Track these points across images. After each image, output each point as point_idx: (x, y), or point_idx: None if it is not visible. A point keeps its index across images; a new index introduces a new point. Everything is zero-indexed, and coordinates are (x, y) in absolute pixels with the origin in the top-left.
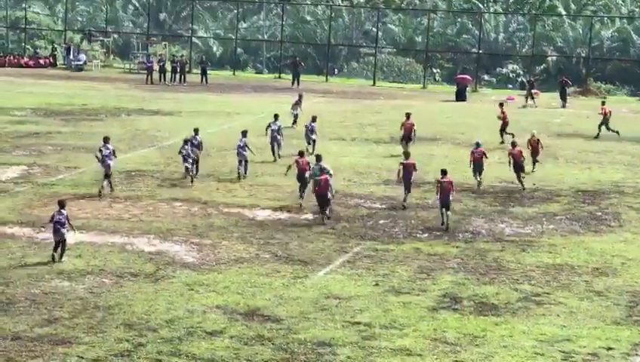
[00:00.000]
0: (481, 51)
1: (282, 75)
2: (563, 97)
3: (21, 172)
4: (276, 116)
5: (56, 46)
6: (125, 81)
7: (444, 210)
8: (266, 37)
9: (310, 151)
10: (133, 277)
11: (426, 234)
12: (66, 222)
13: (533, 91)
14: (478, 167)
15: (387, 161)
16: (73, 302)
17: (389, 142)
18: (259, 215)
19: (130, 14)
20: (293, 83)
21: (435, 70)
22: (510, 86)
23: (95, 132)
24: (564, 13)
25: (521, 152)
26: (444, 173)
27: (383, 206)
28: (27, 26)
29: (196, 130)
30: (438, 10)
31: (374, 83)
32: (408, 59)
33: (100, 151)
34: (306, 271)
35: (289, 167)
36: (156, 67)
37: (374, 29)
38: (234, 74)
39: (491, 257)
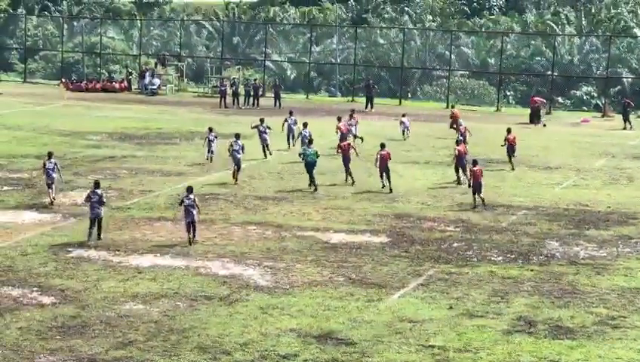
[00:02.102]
0: (555, 73)
1: (355, 99)
2: (626, 119)
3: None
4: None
5: (130, 70)
6: (199, 105)
7: (475, 195)
8: (339, 60)
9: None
10: (208, 300)
11: (501, 257)
12: (101, 200)
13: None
14: (477, 186)
15: (461, 184)
16: (148, 325)
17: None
18: (332, 238)
19: (204, 39)
20: (367, 106)
21: (508, 92)
22: (585, 108)
23: (169, 155)
24: (638, 34)
25: (481, 171)
26: (475, 163)
27: (457, 229)
28: (102, 51)
29: (237, 136)
30: (512, 33)
31: (447, 106)
32: (482, 82)
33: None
34: (380, 294)
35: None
36: (229, 91)
37: (447, 52)
38: (307, 97)
39: (566, 280)
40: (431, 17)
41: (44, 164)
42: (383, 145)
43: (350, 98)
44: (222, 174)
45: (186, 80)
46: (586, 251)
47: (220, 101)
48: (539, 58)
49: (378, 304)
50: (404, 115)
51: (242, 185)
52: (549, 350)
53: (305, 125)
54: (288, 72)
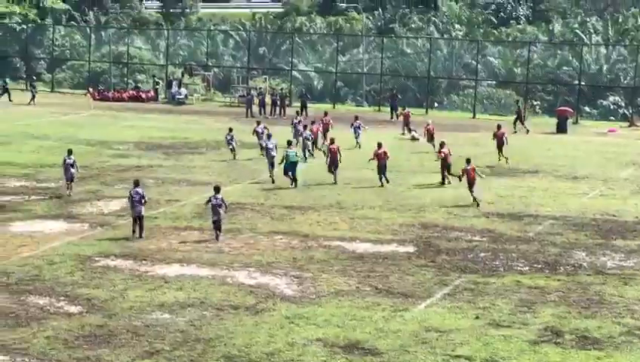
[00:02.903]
0: (582, 83)
1: (382, 108)
2: None
3: (123, 205)
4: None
5: (157, 80)
6: (226, 115)
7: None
8: (365, 70)
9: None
10: (234, 309)
11: (527, 267)
12: (142, 199)
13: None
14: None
15: (487, 193)
16: (174, 335)
17: (489, 175)
18: (359, 248)
19: (231, 48)
20: (392, 116)
21: (535, 102)
22: (612, 118)
23: (196, 165)
24: None
25: (474, 169)
26: (468, 161)
27: (484, 238)
28: (129, 61)
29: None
30: (538, 42)
31: (474, 115)
32: (508, 92)
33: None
34: (407, 303)
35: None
36: (256, 100)
37: (474, 62)
38: (334, 107)
39: (593, 290)
40: (457, 27)
41: (65, 160)
42: (380, 145)
43: (377, 107)
44: (248, 184)
45: (212, 89)
46: (613, 261)
47: (247, 110)
48: (566, 68)
49: (404, 314)
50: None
51: (269, 194)
52: (576, 360)
53: (305, 127)
54: (315, 82)
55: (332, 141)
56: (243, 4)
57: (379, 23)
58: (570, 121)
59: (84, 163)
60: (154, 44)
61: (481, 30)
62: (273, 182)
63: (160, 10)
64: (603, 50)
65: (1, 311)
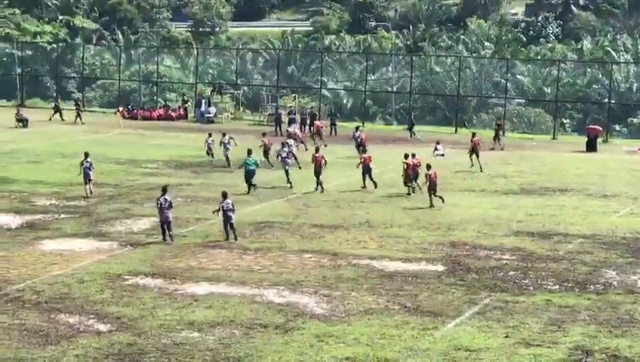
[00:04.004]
0: (612, 101)
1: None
2: None
3: (153, 224)
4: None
5: (187, 99)
6: (255, 133)
7: (431, 195)
8: (395, 88)
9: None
10: (263, 328)
11: (557, 286)
12: (169, 205)
13: None
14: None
15: (517, 212)
16: (203, 353)
17: (518, 194)
18: (388, 266)
19: (260, 67)
20: (411, 134)
21: (564, 120)
22: None
23: (224, 183)
24: None
25: (435, 174)
26: (428, 167)
27: (513, 257)
28: (159, 80)
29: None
30: (568, 60)
31: (503, 134)
32: (538, 110)
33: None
34: (436, 322)
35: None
36: (285, 119)
37: (503, 80)
38: (363, 125)
39: (623, 309)
40: (487, 45)
41: (82, 163)
42: (364, 150)
43: (407, 126)
44: (277, 202)
45: (241, 108)
46: None
47: (276, 128)
48: (595, 86)
49: (434, 332)
50: (438, 143)
51: (298, 213)
52: None
53: (283, 145)
54: (344, 100)
55: (317, 150)
56: (272, 23)
57: (408, 42)
58: (600, 139)
59: (114, 181)
60: (183, 62)
61: (511, 48)
62: (291, 186)
63: (190, 29)
64: (633, 68)
65: (31, 329)
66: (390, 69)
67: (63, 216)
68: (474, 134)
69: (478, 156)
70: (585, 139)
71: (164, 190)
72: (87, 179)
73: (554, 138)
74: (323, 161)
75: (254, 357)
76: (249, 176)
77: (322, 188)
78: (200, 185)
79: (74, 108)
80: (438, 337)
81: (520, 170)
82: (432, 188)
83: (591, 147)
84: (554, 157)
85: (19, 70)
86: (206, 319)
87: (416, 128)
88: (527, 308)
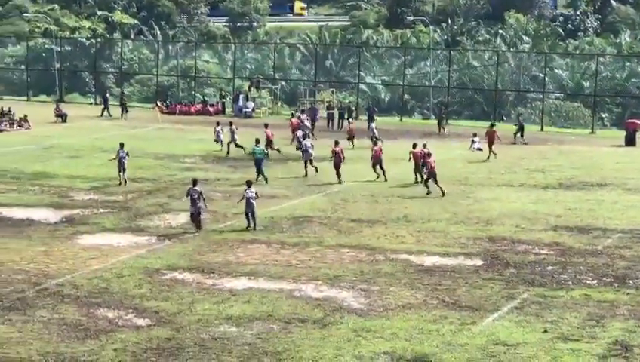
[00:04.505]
0: None
1: (449, 121)
2: None
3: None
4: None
5: (224, 93)
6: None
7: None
8: (432, 83)
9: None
10: (301, 322)
11: (596, 281)
12: (200, 196)
13: None
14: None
15: (555, 207)
16: (242, 348)
17: (557, 188)
18: (426, 261)
19: (298, 62)
20: (439, 128)
21: (603, 115)
22: None
23: (262, 178)
24: None
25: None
26: (429, 155)
27: (552, 252)
28: (197, 75)
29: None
30: (606, 55)
31: (542, 128)
32: (576, 104)
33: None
34: (474, 317)
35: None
36: (323, 113)
37: (541, 74)
38: (401, 120)
39: None
40: (525, 39)
41: (118, 152)
42: (375, 142)
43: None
44: (315, 197)
45: (279, 103)
46: None
47: (311, 123)
48: (634, 80)
49: (472, 327)
50: (475, 135)
51: (336, 207)
52: None
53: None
54: (382, 95)
55: (336, 143)
56: (310, 18)
57: (446, 36)
58: (639, 133)
59: (152, 176)
60: (221, 57)
61: (549, 42)
62: (316, 171)
63: (227, 24)
64: None
65: (70, 324)
66: (428, 63)
67: (101, 210)
68: (492, 125)
69: (491, 146)
70: (624, 133)
71: (195, 182)
72: (121, 168)
73: (592, 132)
74: (342, 156)
75: (292, 351)
76: (259, 163)
77: (340, 180)
78: (238, 180)
79: (119, 103)
80: (476, 332)
81: (558, 165)
82: (432, 176)
83: (630, 141)
84: (592, 152)
85: (58, 65)
86: (244, 314)
87: (454, 123)
88: (565, 303)
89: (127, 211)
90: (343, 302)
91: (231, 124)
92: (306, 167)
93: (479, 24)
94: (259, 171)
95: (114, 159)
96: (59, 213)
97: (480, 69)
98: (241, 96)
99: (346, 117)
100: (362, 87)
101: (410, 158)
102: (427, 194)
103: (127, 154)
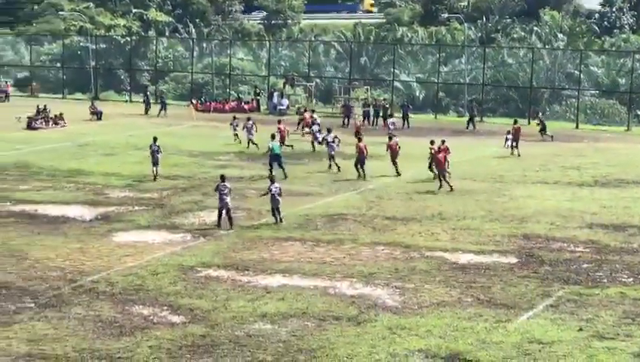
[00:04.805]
0: None
1: (484, 119)
2: None
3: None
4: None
5: (259, 91)
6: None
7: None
8: (467, 80)
9: None
10: (336, 320)
11: (632, 279)
12: (229, 191)
13: None
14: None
15: (591, 204)
16: (276, 345)
17: (592, 186)
18: (461, 258)
19: (332, 59)
20: (468, 126)
21: (639, 112)
22: None
23: (297, 176)
24: None
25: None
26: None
27: (587, 250)
28: (231, 72)
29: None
30: None
31: (577, 126)
32: (612, 101)
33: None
34: (509, 315)
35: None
36: (359, 110)
37: (576, 71)
38: (435, 117)
39: None
40: (560, 36)
41: (151, 146)
42: (390, 137)
43: (479, 118)
44: (349, 195)
45: (314, 100)
46: None
47: (344, 120)
48: None
49: (507, 325)
50: (508, 132)
51: (370, 205)
52: None
53: (328, 130)
54: (417, 92)
55: (360, 139)
56: (344, 15)
57: (480, 34)
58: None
59: (186, 174)
60: (256, 55)
61: (584, 39)
62: (339, 169)
63: (262, 22)
64: None
65: (105, 320)
66: (463, 60)
67: (136, 208)
68: (516, 121)
69: (517, 142)
70: None
71: (223, 178)
72: (154, 161)
73: (628, 129)
74: (366, 151)
75: (327, 348)
76: (273, 160)
77: (365, 175)
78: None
79: (158, 101)
80: (511, 330)
81: (594, 162)
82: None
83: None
84: (628, 149)
85: (93, 63)
86: (279, 311)
87: (489, 120)
88: (601, 301)
89: (162, 208)
90: (378, 299)
91: (248, 119)
92: (330, 160)
93: (514, 21)
94: (272, 167)
95: (149, 155)
96: (94, 211)
97: (515, 66)
98: (275, 94)
99: (381, 114)
100: (397, 84)
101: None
102: (439, 188)
103: (159, 148)
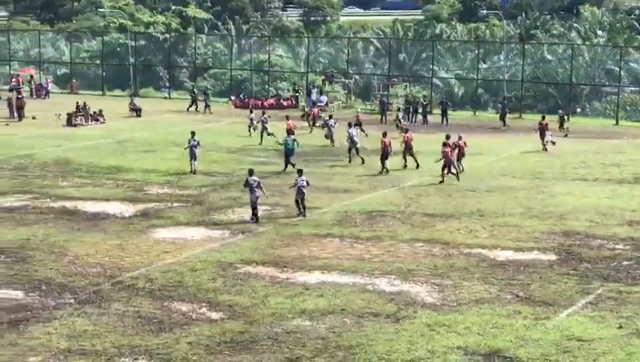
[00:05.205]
0: None
1: (523, 116)
2: None
3: (264, 212)
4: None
5: (297, 88)
6: (365, 122)
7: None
8: (506, 77)
9: None
10: (374, 317)
11: None
12: (258, 185)
13: None
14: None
15: (631, 201)
16: (315, 342)
17: (632, 183)
18: (500, 255)
19: (372, 56)
20: (504, 123)
21: None
22: None
23: (336, 172)
24: None
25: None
26: (384, 135)
27: (627, 247)
28: (270, 69)
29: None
30: None
31: (617, 122)
32: None
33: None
34: (548, 312)
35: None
36: (396, 107)
37: (616, 68)
38: (475, 114)
39: None
40: (600, 33)
41: (189, 141)
42: (405, 130)
43: (518, 115)
44: (388, 191)
45: (353, 97)
46: None
47: (381, 117)
48: None
49: (546, 322)
50: (545, 126)
51: (409, 202)
52: None
53: (349, 125)
54: (455, 89)
55: (384, 134)
56: (383, 12)
57: (520, 30)
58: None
59: (225, 170)
60: (295, 52)
61: (624, 36)
62: (363, 161)
63: (301, 19)
64: None
65: (144, 317)
66: (502, 57)
67: (175, 204)
68: (543, 117)
69: (543, 137)
70: None
71: (251, 172)
72: (192, 156)
73: None
74: (391, 147)
75: (365, 345)
76: (289, 154)
77: (387, 170)
78: (310, 174)
79: (203, 98)
80: (550, 327)
81: (634, 159)
82: (448, 165)
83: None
84: None
85: (132, 60)
86: (317, 307)
87: (528, 117)
88: None
89: (201, 205)
90: (417, 296)
91: (263, 113)
92: (350, 153)
93: (553, 17)
94: (287, 161)
95: (186, 148)
96: (133, 207)
97: (554, 62)
98: (314, 91)
99: (419, 110)
100: (436, 81)
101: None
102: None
103: (198, 143)
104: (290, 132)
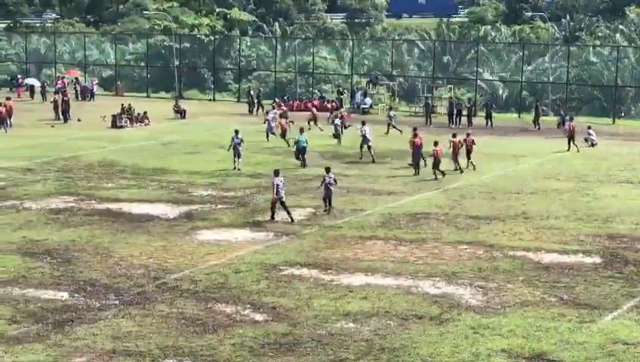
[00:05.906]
0: None
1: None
2: None
3: (308, 214)
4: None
5: (341, 90)
6: (409, 125)
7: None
8: (551, 79)
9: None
10: (418, 319)
11: None
12: (283, 185)
13: None
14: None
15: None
16: (359, 344)
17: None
18: (544, 258)
19: (416, 58)
20: (535, 125)
21: None
22: None
23: (380, 174)
24: None
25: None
26: (435, 143)
27: None
28: (314, 71)
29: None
30: None
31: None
32: None
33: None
34: (593, 315)
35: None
36: (441, 110)
37: None
38: (519, 116)
39: None
40: None
41: (233, 139)
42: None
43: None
44: (432, 193)
45: (397, 99)
46: None
47: (426, 119)
48: None
49: (591, 325)
50: (589, 127)
51: (453, 204)
52: None
53: (363, 123)
54: (500, 91)
55: (415, 135)
56: (428, 14)
57: (565, 32)
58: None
59: (269, 172)
60: (339, 54)
61: None
62: (374, 160)
63: (345, 21)
64: None
65: (189, 318)
66: (547, 59)
67: (219, 206)
68: (571, 118)
69: (573, 140)
70: None
71: (277, 172)
72: (236, 154)
73: None
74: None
75: (409, 348)
76: (301, 152)
77: (418, 171)
78: (355, 176)
79: (255, 100)
80: (595, 330)
81: None
82: (436, 165)
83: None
84: None
85: (177, 62)
86: (361, 310)
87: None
88: None
89: (245, 207)
90: (461, 298)
91: (272, 107)
92: (361, 148)
93: (598, 19)
94: (298, 158)
95: (230, 147)
96: (177, 209)
97: (599, 64)
98: (358, 93)
99: (464, 113)
100: (480, 83)
101: (449, 147)
102: (434, 179)
103: (241, 140)
104: (302, 131)
